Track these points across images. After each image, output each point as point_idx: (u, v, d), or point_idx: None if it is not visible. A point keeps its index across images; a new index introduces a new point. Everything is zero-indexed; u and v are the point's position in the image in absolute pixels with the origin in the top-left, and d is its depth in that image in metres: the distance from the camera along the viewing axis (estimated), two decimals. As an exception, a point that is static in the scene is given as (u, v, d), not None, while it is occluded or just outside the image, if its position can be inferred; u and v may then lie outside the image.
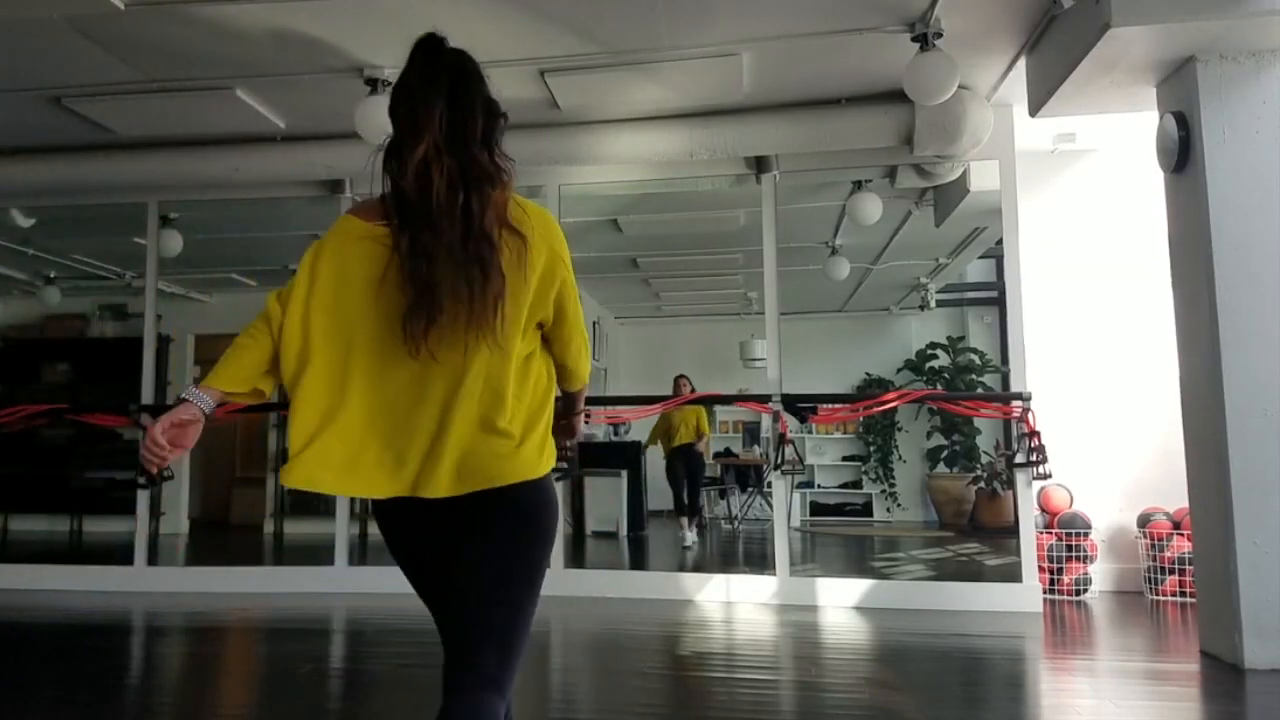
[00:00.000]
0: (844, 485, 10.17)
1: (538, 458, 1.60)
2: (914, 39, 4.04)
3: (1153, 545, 5.06)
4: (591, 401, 6.51)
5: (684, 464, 7.85)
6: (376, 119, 4.42)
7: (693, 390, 7.12)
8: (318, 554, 5.98)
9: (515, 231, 1.61)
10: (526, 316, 1.62)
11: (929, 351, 8.94)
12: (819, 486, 10.17)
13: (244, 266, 8.52)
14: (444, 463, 1.53)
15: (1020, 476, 4.87)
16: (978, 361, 8.53)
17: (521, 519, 1.60)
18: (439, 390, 1.54)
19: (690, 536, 7.54)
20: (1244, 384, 3.63)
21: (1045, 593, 4.95)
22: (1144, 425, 5.33)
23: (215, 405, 1.59)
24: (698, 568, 6.48)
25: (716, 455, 9.97)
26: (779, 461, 5.11)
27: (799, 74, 4.62)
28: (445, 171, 1.56)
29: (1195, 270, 3.81)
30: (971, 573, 6.19)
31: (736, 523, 9.11)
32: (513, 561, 1.59)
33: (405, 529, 1.70)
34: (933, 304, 9.09)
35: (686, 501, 7.79)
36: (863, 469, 10.02)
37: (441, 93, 1.63)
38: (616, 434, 8.77)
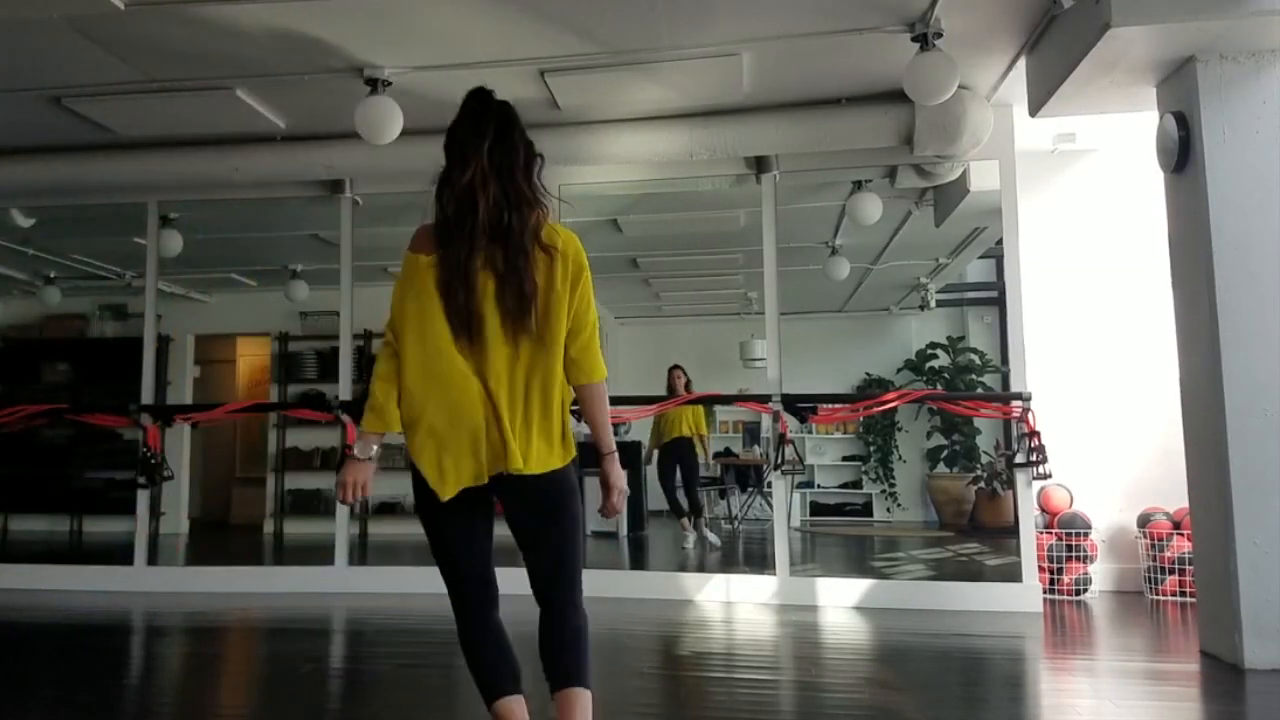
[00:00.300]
0: (844, 485, 10.17)
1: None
2: (914, 39, 4.04)
3: (1153, 545, 5.06)
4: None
5: (677, 458, 7.51)
6: (376, 119, 4.43)
7: (688, 383, 7.04)
8: (318, 554, 5.98)
9: (546, 248, 1.93)
10: (563, 316, 1.94)
11: (929, 351, 8.94)
12: (819, 486, 10.16)
13: (244, 266, 8.52)
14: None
15: (1020, 476, 4.87)
16: (978, 361, 8.53)
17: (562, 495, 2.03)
18: (486, 386, 1.91)
19: (693, 536, 7.34)
20: (1244, 384, 3.63)
21: (1045, 593, 4.95)
22: (1144, 425, 5.33)
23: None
24: (700, 567, 6.48)
25: (716, 455, 9.97)
26: (779, 461, 5.11)
27: (799, 74, 4.62)
28: (490, 195, 1.89)
29: (1195, 270, 3.81)
30: (971, 573, 6.19)
31: (736, 523, 9.10)
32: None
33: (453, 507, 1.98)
34: (933, 304, 9.09)
35: (686, 499, 7.57)
36: (863, 469, 10.02)
37: (489, 131, 1.97)
38: (616, 434, 8.75)
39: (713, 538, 7.34)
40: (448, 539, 2.04)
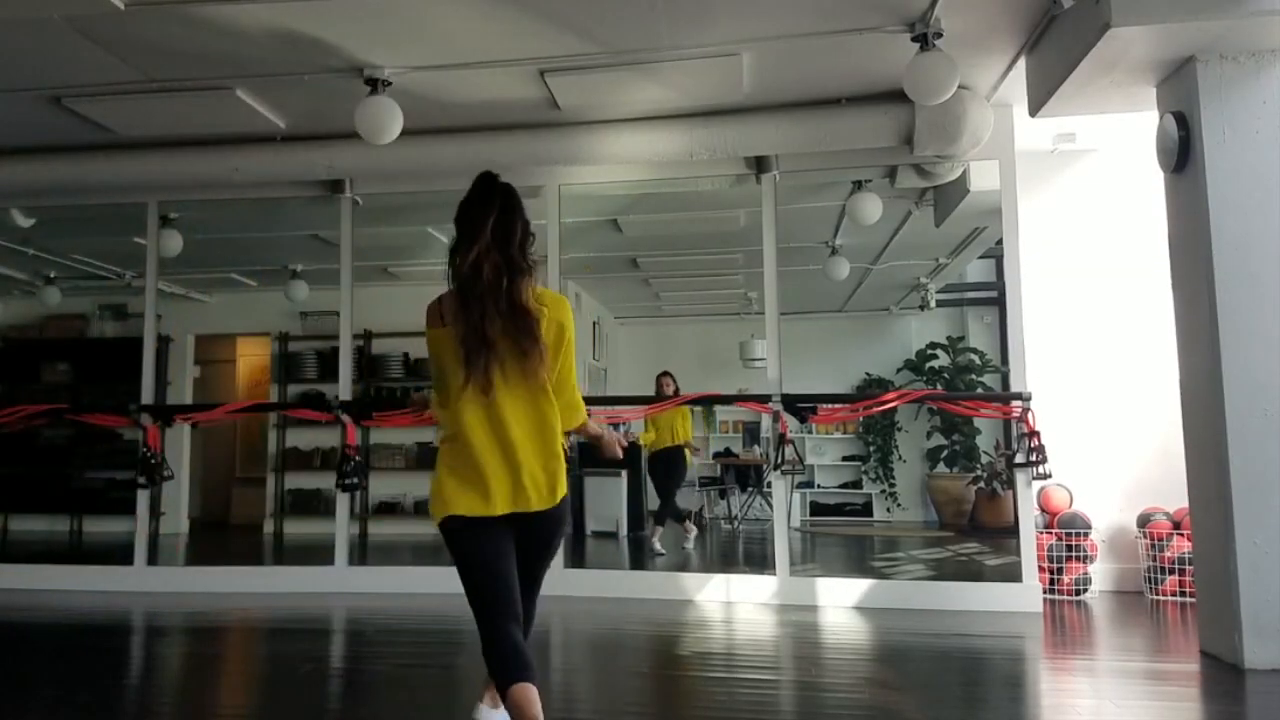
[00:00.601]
0: (844, 485, 10.18)
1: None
2: (914, 39, 4.04)
3: (1153, 545, 5.06)
4: (591, 401, 6.51)
5: (663, 467, 7.44)
6: (376, 119, 4.43)
7: (677, 389, 6.88)
8: (318, 554, 5.98)
9: (534, 311, 2.26)
10: (552, 369, 2.30)
11: (929, 351, 8.95)
12: (819, 486, 10.17)
13: (244, 266, 8.53)
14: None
15: (1020, 476, 4.87)
16: (977, 361, 8.54)
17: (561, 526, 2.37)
18: (512, 429, 2.26)
19: (693, 535, 7.30)
20: (1244, 384, 3.63)
21: (1045, 593, 4.95)
22: (1144, 425, 5.33)
23: None
24: (681, 567, 6.49)
25: (716, 455, 9.98)
26: (779, 461, 5.11)
27: (799, 74, 4.62)
28: (494, 263, 2.22)
29: (1195, 270, 3.81)
30: (971, 573, 6.19)
31: (736, 523, 9.11)
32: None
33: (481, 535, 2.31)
34: (933, 304, 9.09)
35: (662, 505, 7.36)
36: (863, 469, 10.02)
37: (494, 210, 2.28)
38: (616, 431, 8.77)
39: (659, 548, 6.98)
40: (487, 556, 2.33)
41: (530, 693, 2.13)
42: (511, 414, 2.25)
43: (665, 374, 7.06)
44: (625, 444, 2.53)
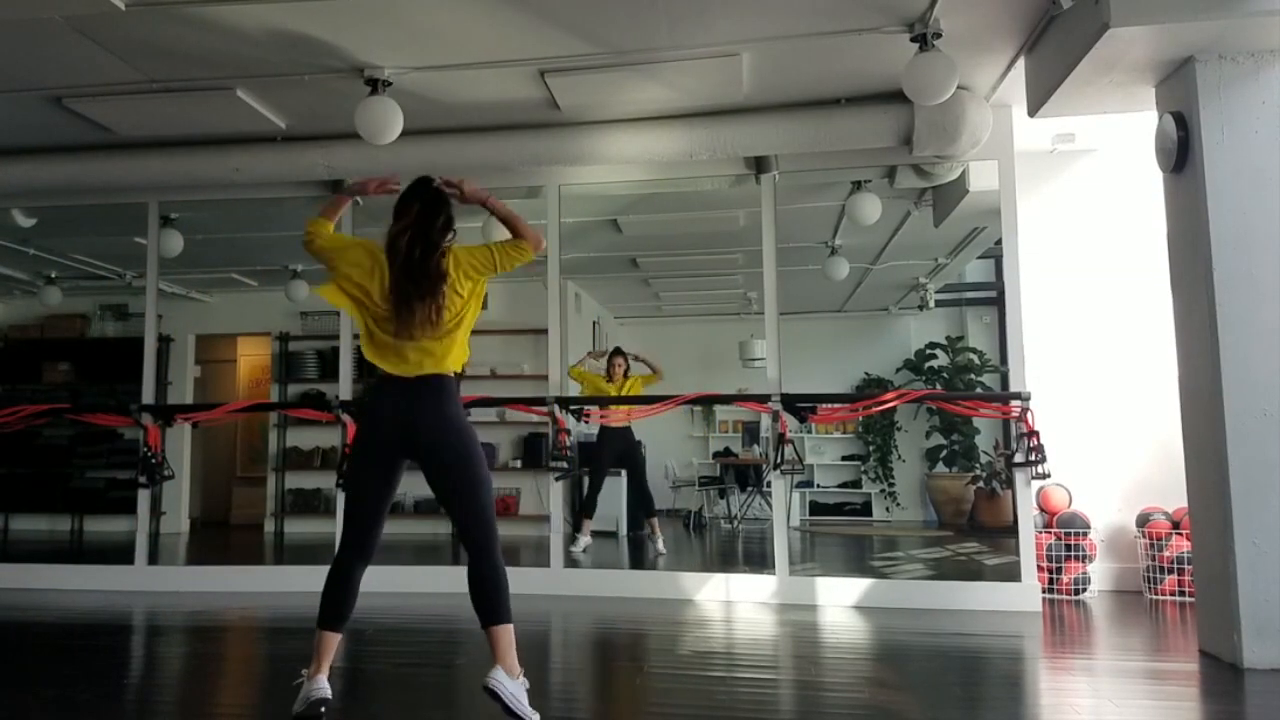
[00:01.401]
0: (843, 485, 10.18)
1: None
2: (913, 39, 4.04)
3: (1152, 545, 5.07)
4: (591, 402, 6.52)
5: (613, 446, 6.87)
6: (376, 119, 4.43)
7: (627, 369, 6.66)
8: (318, 553, 5.99)
9: (445, 274, 2.88)
10: (460, 316, 2.92)
11: (928, 351, 8.95)
12: (818, 486, 10.17)
13: (244, 266, 8.53)
14: None
15: (1019, 476, 4.88)
16: (977, 361, 8.54)
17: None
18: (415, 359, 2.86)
19: (660, 545, 6.72)
20: (1243, 384, 3.63)
21: (1044, 592, 4.96)
22: (1143, 425, 5.33)
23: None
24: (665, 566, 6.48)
25: (716, 455, 9.98)
26: (778, 461, 5.12)
27: (799, 74, 4.63)
28: (411, 239, 2.85)
29: (1194, 270, 3.82)
30: (971, 572, 6.20)
31: (736, 522, 9.11)
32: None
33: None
34: (932, 304, 9.10)
35: (646, 500, 6.95)
36: (862, 469, 10.02)
37: (417, 199, 2.94)
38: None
39: (661, 546, 6.70)
40: None
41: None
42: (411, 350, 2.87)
43: (617, 354, 6.79)
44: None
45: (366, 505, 2.88)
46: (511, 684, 2.70)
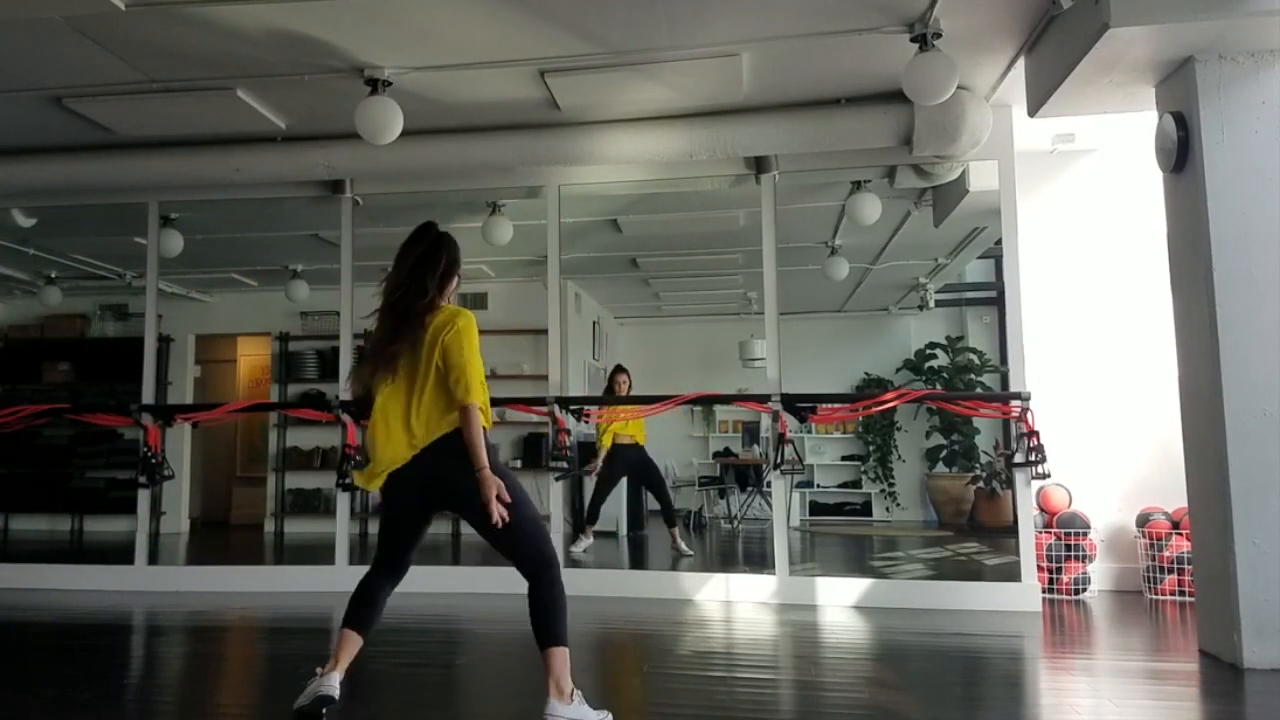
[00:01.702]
0: (843, 485, 10.18)
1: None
2: (913, 39, 4.04)
3: (1151, 545, 5.07)
4: (590, 402, 6.52)
5: (626, 462, 6.93)
6: (376, 119, 4.44)
7: (630, 385, 6.71)
8: (318, 553, 5.99)
9: (432, 323, 2.82)
10: (429, 368, 2.79)
11: (928, 351, 8.95)
12: (818, 486, 10.17)
13: (244, 266, 8.53)
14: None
15: (1019, 476, 4.88)
16: (977, 361, 8.54)
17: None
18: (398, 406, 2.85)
19: (684, 548, 6.75)
20: (1243, 384, 3.63)
21: (1044, 592, 4.96)
22: (1143, 425, 5.33)
23: None
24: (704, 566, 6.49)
25: (716, 455, 9.99)
26: (778, 461, 5.12)
27: (799, 74, 4.63)
28: (403, 289, 2.83)
29: (1194, 270, 3.82)
30: (971, 572, 6.20)
31: (736, 522, 9.11)
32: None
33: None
34: (932, 304, 9.10)
35: (661, 507, 6.98)
36: (862, 469, 10.02)
37: (419, 246, 2.89)
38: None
39: (685, 548, 6.76)
40: None
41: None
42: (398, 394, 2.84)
43: (620, 370, 6.82)
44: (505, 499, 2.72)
45: (399, 540, 2.92)
46: (566, 709, 2.66)
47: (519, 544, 2.76)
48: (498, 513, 2.66)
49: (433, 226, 2.94)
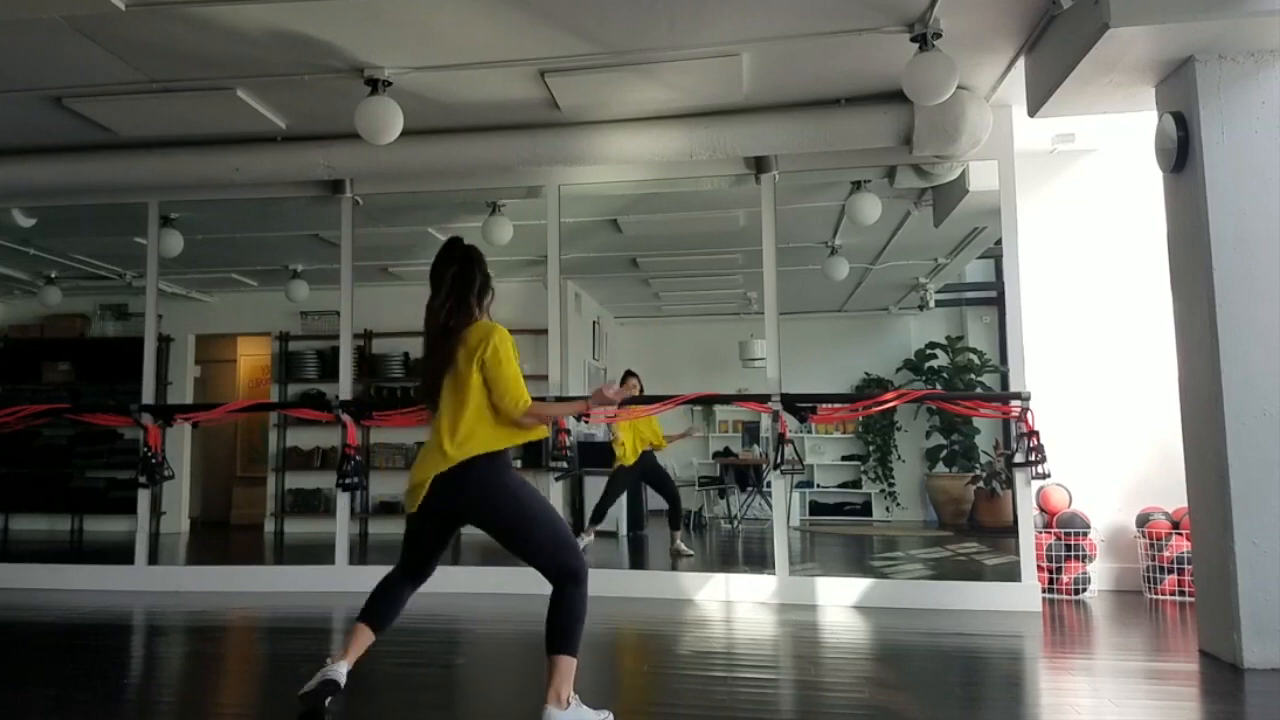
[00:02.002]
0: (843, 485, 10.18)
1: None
2: (913, 39, 4.04)
3: (1151, 545, 5.07)
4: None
5: (636, 468, 6.89)
6: (376, 119, 4.44)
7: (641, 389, 6.68)
8: (318, 553, 5.99)
9: (466, 341, 2.87)
10: (473, 380, 2.83)
11: (928, 351, 8.96)
12: (818, 486, 10.17)
13: (244, 266, 8.53)
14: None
15: (1019, 476, 4.88)
16: (976, 361, 8.54)
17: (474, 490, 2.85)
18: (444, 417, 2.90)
19: (684, 548, 6.79)
20: (1243, 384, 3.63)
21: (1044, 592, 4.96)
22: (1143, 425, 5.33)
23: None
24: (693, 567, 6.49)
25: (716, 455, 9.99)
26: (778, 461, 5.12)
27: (799, 74, 4.63)
28: (447, 309, 2.89)
29: (1194, 270, 3.82)
30: (971, 572, 6.20)
31: (736, 522, 9.11)
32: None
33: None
34: (932, 304, 9.11)
35: (668, 507, 6.99)
36: (862, 469, 10.03)
37: (453, 265, 2.93)
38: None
39: (685, 549, 6.75)
40: None
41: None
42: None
43: (630, 374, 6.79)
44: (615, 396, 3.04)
45: (424, 548, 2.95)
46: (562, 715, 2.70)
47: (536, 556, 2.79)
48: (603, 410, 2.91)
49: (458, 242, 2.98)
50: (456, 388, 2.83)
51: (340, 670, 2.77)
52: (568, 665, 2.72)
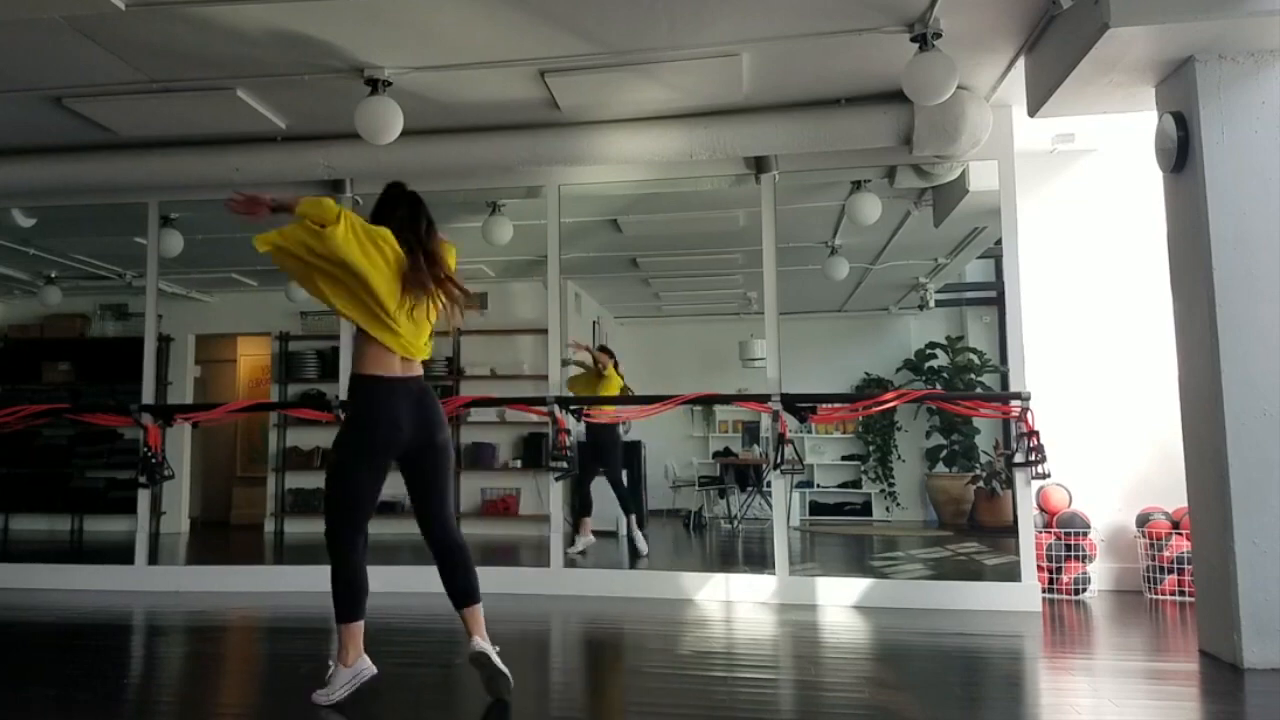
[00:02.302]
0: (843, 485, 10.18)
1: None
2: (913, 39, 4.04)
3: (1151, 545, 5.07)
4: (592, 401, 6.51)
5: (593, 441, 6.72)
6: (376, 119, 4.44)
7: (616, 364, 6.68)
8: (318, 553, 5.96)
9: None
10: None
11: (928, 351, 8.95)
12: (818, 486, 10.17)
13: (244, 266, 8.53)
14: None
15: (1019, 476, 4.88)
16: (976, 361, 8.54)
17: None
18: None
19: (644, 545, 6.74)
20: (1243, 384, 3.63)
21: (1044, 592, 4.96)
22: (1143, 425, 5.33)
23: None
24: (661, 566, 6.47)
25: (716, 455, 9.99)
26: (778, 461, 5.12)
27: (799, 74, 4.63)
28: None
29: (1194, 270, 3.82)
30: (971, 572, 6.20)
31: (736, 522, 9.11)
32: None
33: None
34: (932, 304, 9.10)
35: (620, 497, 6.87)
36: (862, 469, 10.02)
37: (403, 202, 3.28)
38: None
39: (580, 545, 6.54)
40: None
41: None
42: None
43: (603, 350, 6.77)
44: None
45: (371, 502, 3.09)
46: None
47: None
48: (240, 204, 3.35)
49: (404, 184, 3.34)
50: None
51: (368, 663, 3.05)
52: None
